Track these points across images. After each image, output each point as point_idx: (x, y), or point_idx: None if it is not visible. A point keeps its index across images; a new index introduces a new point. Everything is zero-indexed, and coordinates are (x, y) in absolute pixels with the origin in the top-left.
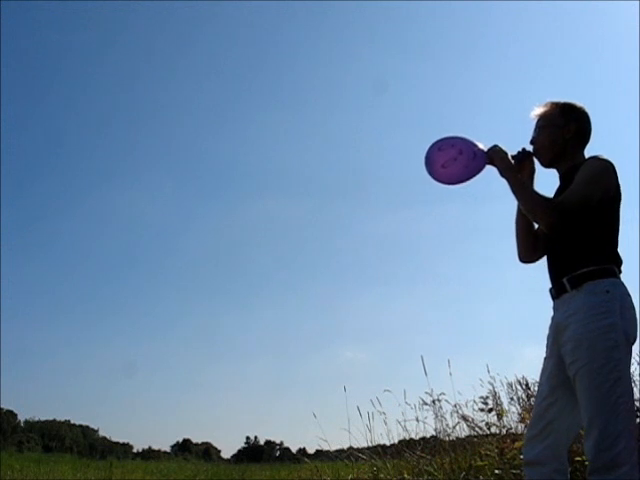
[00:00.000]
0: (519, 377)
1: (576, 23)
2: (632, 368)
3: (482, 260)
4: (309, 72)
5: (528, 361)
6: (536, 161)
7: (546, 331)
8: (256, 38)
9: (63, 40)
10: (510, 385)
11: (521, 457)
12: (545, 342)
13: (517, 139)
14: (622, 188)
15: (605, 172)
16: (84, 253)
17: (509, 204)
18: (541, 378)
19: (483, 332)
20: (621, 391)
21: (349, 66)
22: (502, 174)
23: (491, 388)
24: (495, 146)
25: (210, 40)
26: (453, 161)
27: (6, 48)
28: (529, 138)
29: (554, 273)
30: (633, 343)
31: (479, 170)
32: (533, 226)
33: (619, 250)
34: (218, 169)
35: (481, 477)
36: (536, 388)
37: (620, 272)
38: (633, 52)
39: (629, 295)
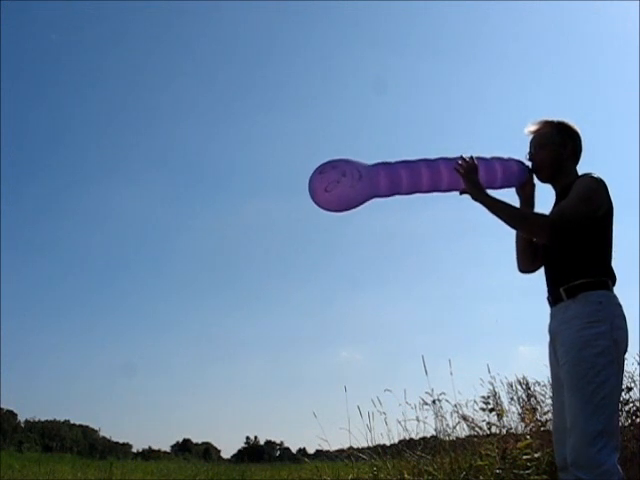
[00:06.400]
0: (519, 377)
1: (576, 23)
2: (632, 368)
3: (482, 260)
4: (308, 72)
5: (524, 359)
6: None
7: (541, 330)
8: (255, 38)
9: (63, 40)
10: (510, 385)
11: (523, 457)
12: (540, 341)
13: (517, 139)
14: (621, 191)
15: (597, 190)
16: (83, 252)
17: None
18: (553, 384)
19: (483, 332)
20: (605, 393)
21: (349, 66)
22: (476, 199)
23: (491, 388)
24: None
25: (209, 40)
26: (336, 184)
27: (6, 48)
28: (528, 140)
29: (551, 282)
30: (625, 351)
31: (434, 186)
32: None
33: (615, 264)
34: (217, 169)
35: (481, 477)
36: (536, 388)
37: (613, 285)
38: (633, 52)
39: (620, 306)
